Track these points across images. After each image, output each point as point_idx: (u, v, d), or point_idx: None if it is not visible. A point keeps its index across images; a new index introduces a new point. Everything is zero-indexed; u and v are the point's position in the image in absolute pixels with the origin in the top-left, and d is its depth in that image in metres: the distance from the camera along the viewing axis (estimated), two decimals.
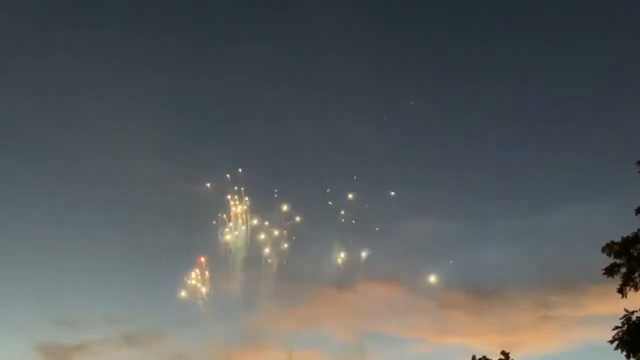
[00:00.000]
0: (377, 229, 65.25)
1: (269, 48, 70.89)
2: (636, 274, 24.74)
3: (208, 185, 62.77)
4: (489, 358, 29.65)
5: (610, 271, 25.20)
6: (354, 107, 68.13)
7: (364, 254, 63.39)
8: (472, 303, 69.48)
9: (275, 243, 65.72)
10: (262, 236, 65.23)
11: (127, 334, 68.39)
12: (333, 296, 68.18)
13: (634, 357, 23.75)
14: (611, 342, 24.34)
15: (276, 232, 65.34)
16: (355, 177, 67.94)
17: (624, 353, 23.86)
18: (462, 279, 68.49)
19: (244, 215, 63.64)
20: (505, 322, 66.96)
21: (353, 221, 65.65)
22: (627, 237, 24.94)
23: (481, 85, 71.78)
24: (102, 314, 64.87)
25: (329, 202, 65.34)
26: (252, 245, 65.07)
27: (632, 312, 23.98)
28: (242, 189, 64.17)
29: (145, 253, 68.74)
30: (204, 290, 63.88)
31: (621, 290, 24.95)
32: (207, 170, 66.96)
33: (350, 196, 63.43)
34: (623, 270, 24.98)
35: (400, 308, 66.95)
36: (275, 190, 67.21)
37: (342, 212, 64.71)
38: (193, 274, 62.88)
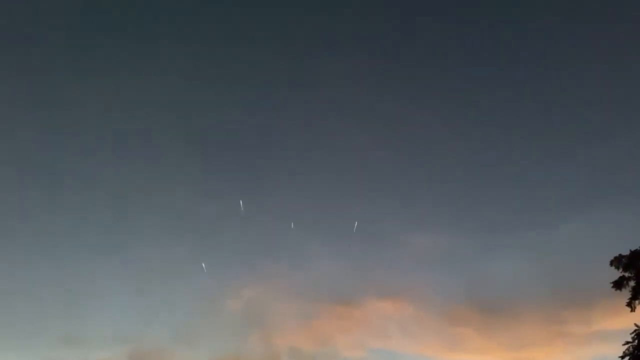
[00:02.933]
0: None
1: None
2: None
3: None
4: None
5: (618, 284, 24.89)
6: (363, 123, 68.28)
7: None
8: (482, 319, 68.59)
9: None
10: None
11: (134, 352, 68.02)
12: (340, 312, 67.57)
13: None
14: (622, 357, 24.00)
15: None
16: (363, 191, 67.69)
17: None
18: (471, 295, 67.64)
19: None
20: (515, 338, 65.96)
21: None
22: (636, 251, 24.69)
23: (490, 99, 71.74)
24: (109, 332, 64.73)
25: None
26: None
27: None
28: None
29: (153, 270, 68.63)
30: None
31: (630, 304, 24.60)
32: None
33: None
34: (632, 283, 24.67)
35: (408, 324, 66.11)
36: None
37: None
38: None
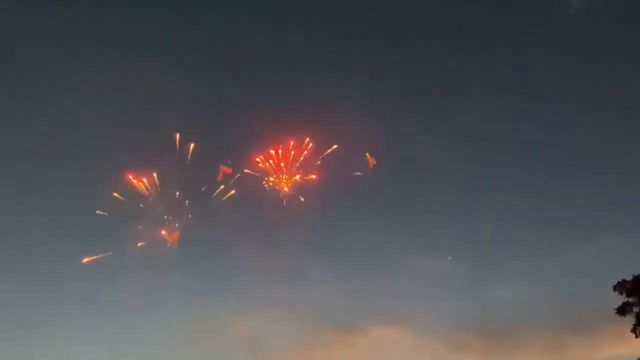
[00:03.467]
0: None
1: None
2: None
3: None
4: None
5: (622, 310, 24.78)
6: (362, 146, 68.81)
7: None
8: (484, 346, 67.70)
9: None
10: None
11: None
12: (340, 338, 66.80)
13: None
14: None
15: None
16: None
17: None
18: (473, 321, 66.88)
19: None
20: None
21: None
22: (639, 276, 24.63)
23: (488, 128, 72.21)
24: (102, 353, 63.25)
25: None
26: None
27: None
28: None
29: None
30: None
31: (634, 330, 24.46)
32: None
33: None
34: (636, 309, 24.58)
35: (409, 351, 65.33)
36: None
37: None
38: None
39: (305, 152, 51.81)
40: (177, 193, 51.12)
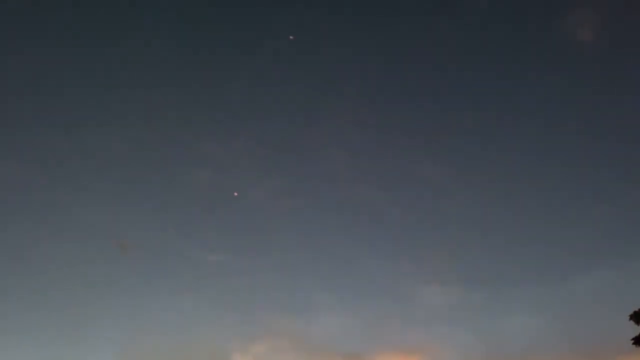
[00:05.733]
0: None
1: None
2: None
3: None
4: None
5: (639, 340, 23.92)
6: (369, 172, 68.69)
7: None
8: None
9: None
10: None
11: None
12: None
13: None
14: None
15: None
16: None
17: None
18: (485, 350, 65.54)
19: None
20: None
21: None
22: None
23: (500, 152, 71.90)
24: None
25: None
26: None
27: None
28: None
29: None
30: None
31: None
32: None
33: None
34: None
35: None
36: None
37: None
38: None
39: None
40: None
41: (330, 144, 70.77)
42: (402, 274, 67.08)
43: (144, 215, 68.68)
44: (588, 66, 67.74)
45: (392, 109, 71.40)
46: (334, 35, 69.78)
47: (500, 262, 69.44)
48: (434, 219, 70.42)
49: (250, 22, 69.18)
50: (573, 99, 68.07)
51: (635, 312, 24.28)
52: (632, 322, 24.32)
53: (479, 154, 71.02)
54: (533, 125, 69.87)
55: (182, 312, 63.93)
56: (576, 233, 67.57)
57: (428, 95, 71.94)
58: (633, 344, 24.15)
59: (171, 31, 70.05)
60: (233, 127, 71.38)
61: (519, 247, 69.17)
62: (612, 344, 50.03)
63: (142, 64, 68.76)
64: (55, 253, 65.44)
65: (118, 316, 62.81)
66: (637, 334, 24.14)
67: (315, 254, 67.41)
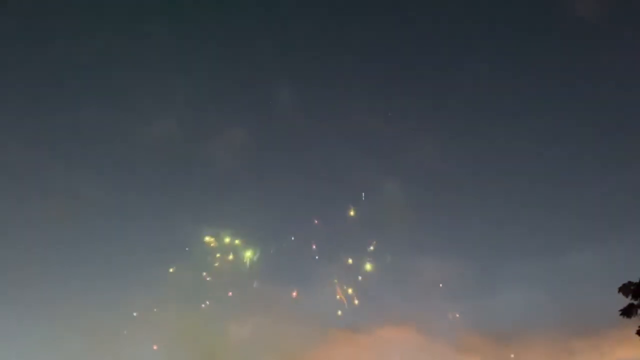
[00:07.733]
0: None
1: None
2: None
3: None
4: None
5: (627, 312, 24.59)
6: (373, 155, 68.56)
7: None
8: (490, 348, 67.45)
9: None
10: None
11: None
12: (345, 339, 66.70)
13: None
14: None
15: None
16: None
17: None
18: (479, 323, 66.64)
19: None
20: None
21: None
22: None
23: (496, 127, 71.94)
24: None
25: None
26: None
27: None
28: None
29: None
30: None
31: None
32: None
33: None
34: None
35: (414, 352, 65.13)
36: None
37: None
38: None
39: None
40: None
41: None
42: (398, 247, 67.63)
43: None
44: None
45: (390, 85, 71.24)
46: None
47: (494, 236, 70.23)
48: (431, 192, 70.76)
49: None
50: (572, 75, 68.02)
51: (624, 285, 24.88)
52: (621, 295, 24.93)
53: (474, 129, 71.10)
54: (528, 102, 69.89)
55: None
56: (569, 210, 68.27)
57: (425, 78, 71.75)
58: (621, 314, 24.82)
59: None
60: None
61: (515, 221, 69.80)
62: (604, 316, 51.09)
63: None
64: None
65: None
66: (625, 305, 24.78)
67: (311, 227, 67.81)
